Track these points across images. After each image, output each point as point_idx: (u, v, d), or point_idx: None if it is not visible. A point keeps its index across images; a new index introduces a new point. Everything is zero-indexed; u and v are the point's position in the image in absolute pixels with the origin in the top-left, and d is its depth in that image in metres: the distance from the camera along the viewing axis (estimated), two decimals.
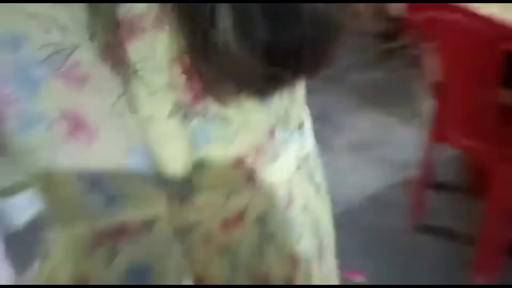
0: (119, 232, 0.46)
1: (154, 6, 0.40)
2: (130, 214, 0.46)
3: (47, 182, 0.46)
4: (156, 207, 0.47)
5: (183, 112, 0.45)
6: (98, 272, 0.47)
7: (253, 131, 0.49)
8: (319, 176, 0.62)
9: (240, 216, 0.51)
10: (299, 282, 0.57)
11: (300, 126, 0.57)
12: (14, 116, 0.42)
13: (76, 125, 0.43)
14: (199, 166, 0.48)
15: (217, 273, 0.52)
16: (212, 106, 0.45)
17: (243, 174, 0.50)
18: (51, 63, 0.40)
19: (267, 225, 0.53)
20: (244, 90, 0.44)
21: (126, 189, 0.46)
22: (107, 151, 0.44)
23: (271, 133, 0.51)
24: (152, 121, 0.44)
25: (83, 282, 0.48)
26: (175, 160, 0.47)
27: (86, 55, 0.40)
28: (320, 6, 0.43)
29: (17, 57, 0.40)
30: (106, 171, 0.45)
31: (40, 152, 0.44)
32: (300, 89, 0.54)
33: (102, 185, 0.45)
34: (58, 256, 0.50)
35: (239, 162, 0.49)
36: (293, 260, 0.57)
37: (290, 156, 0.55)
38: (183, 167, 0.47)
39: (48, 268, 0.51)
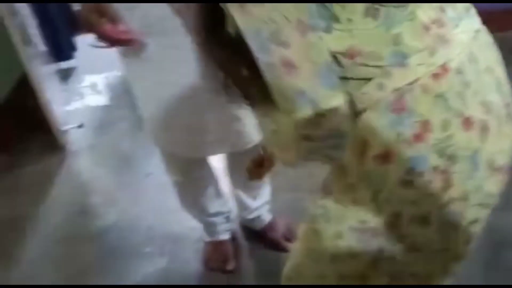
0: None
1: None
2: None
3: None
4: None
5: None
6: None
7: (426, 8, 0.68)
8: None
9: (444, 68, 0.69)
10: (491, 126, 0.73)
11: (467, 9, 0.75)
12: None
13: None
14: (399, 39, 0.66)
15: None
16: None
17: (435, 37, 0.68)
18: None
19: (464, 74, 0.70)
20: None
21: None
22: None
23: (442, 9, 0.70)
24: None
25: None
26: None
27: None
28: None
29: None
30: None
31: None
32: None
33: None
34: None
35: (426, 30, 0.67)
36: (486, 106, 0.73)
37: (465, 27, 0.73)
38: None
39: None
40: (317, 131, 0.69)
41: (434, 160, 0.71)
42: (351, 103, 0.68)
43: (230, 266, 1.73)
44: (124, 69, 1.39)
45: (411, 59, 0.67)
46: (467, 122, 0.71)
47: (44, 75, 2.52)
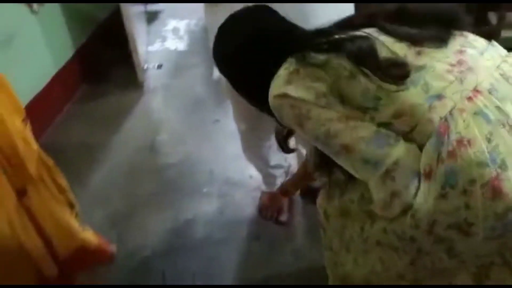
0: None
1: None
2: None
3: None
4: None
5: None
6: None
7: (443, 59, 0.82)
8: None
9: (476, 90, 0.78)
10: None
11: (489, 43, 0.88)
12: None
13: None
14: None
15: None
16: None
17: (460, 71, 0.80)
18: None
19: (499, 91, 0.79)
20: None
21: None
22: None
23: (461, 52, 0.83)
24: None
25: None
26: None
27: None
28: None
29: None
30: None
31: None
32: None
33: None
34: None
35: (449, 72, 0.80)
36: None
37: (489, 55, 0.84)
38: None
39: None
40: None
41: (472, 173, 0.74)
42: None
43: (283, 217, 1.73)
44: (207, 17, 1.39)
45: (446, 91, 0.78)
46: None
47: (133, 13, 2.59)
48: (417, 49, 0.82)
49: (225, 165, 1.99)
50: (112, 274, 1.57)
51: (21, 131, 1.25)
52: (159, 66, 2.72)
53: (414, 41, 0.83)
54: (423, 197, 0.78)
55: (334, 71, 0.81)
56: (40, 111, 2.19)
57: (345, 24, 0.90)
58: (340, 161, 0.85)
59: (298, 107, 0.83)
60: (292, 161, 1.79)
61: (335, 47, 0.83)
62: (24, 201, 1.29)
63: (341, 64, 0.81)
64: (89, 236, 1.48)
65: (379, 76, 0.79)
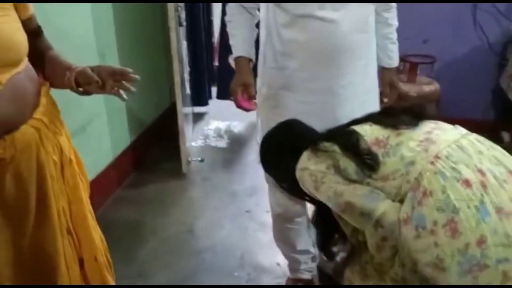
0: None
1: None
2: None
3: None
4: None
5: None
6: None
7: (414, 139, 1.09)
8: None
9: (437, 156, 1.03)
10: (491, 183, 0.98)
11: (454, 127, 1.14)
12: None
13: None
14: None
15: None
16: None
17: (426, 144, 1.07)
18: None
19: (454, 157, 1.02)
20: None
21: None
22: None
23: (429, 132, 1.10)
24: None
25: None
26: None
27: None
28: None
29: None
30: None
31: None
32: None
33: None
34: None
35: (418, 145, 1.07)
36: (482, 172, 1.00)
37: (450, 133, 1.12)
38: None
39: None
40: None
41: (434, 216, 0.96)
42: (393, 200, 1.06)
43: None
44: (261, 115, 1.69)
45: (416, 159, 1.04)
46: (467, 182, 0.97)
47: (183, 114, 2.95)
48: (398, 131, 1.11)
49: (255, 251, 2.17)
50: None
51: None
52: (202, 160, 3.01)
53: (394, 127, 1.12)
54: (403, 239, 0.99)
55: (334, 155, 1.12)
56: (95, 191, 2.44)
57: (353, 122, 1.22)
58: (345, 216, 1.10)
59: (315, 175, 1.13)
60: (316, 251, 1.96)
61: (332, 139, 1.15)
62: (82, 271, 1.38)
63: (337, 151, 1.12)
64: None
65: (356, 163, 1.08)
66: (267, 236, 1.92)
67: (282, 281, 1.97)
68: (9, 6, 1.11)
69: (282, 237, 1.90)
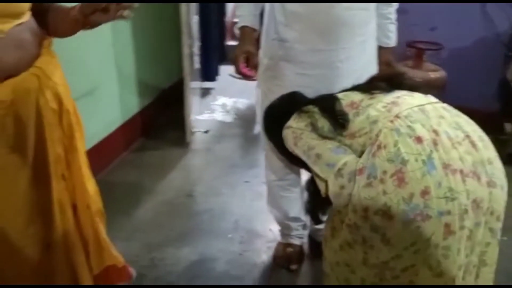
0: None
1: None
2: None
3: None
4: None
5: None
6: None
7: (380, 103, 1.16)
8: None
9: (397, 116, 1.09)
10: (443, 142, 1.04)
11: (425, 96, 1.21)
12: None
13: None
14: None
15: None
16: None
17: (391, 106, 1.14)
18: None
19: (413, 117, 1.09)
20: None
21: None
22: None
23: (398, 97, 1.17)
24: None
25: None
26: None
27: None
28: None
29: None
30: None
31: None
32: None
33: None
34: None
35: (385, 107, 1.14)
36: (436, 132, 1.04)
37: (417, 98, 1.18)
38: None
39: None
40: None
41: (384, 166, 1.01)
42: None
43: (294, 266, 1.92)
44: (262, 85, 1.72)
45: (379, 118, 1.10)
46: (418, 139, 1.03)
47: (190, 87, 3.00)
48: (371, 96, 1.19)
49: (250, 218, 2.23)
50: None
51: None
52: (206, 131, 3.06)
53: (369, 92, 1.21)
54: (356, 186, 1.04)
55: (314, 116, 1.21)
56: (102, 152, 2.52)
57: (342, 91, 1.29)
58: (316, 169, 1.16)
59: (295, 132, 1.23)
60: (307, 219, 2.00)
61: (314, 102, 1.24)
62: (75, 217, 1.41)
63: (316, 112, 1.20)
64: (118, 254, 1.57)
65: (330, 122, 1.17)
66: (263, 204, 1.97)
67: (273, 245, 2.02)
68: None
69: (275, 204, 1.95)
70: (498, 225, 1.08)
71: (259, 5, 1.69)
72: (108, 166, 2.62)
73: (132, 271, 1.66)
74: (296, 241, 1.98)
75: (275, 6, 1.60)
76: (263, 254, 2.00)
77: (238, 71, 1.66)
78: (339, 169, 1.09)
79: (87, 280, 1.46)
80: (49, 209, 1.33)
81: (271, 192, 1.94)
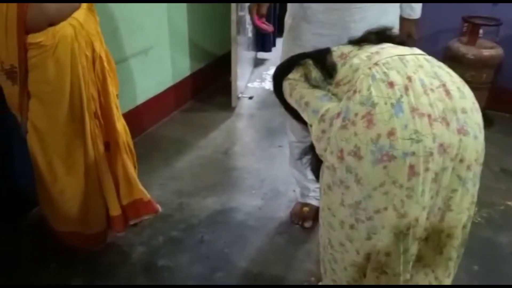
0: None
1: None
2: None
3: None
4: None
5: None
6: None
7: (365, 52, 1.19)
8: None
9: (374, 63, 1.12)
10: (415, 87, 1.05)
11: (411, 49, 1.19)
12: None
13: None
14: None
15: None
16: None
17: (373, 53, 1.17)
18: None
19: (390, 64, 1.11)
20: None
21: None
22: None
23: (382, 48, 1.19)
24: None
25: None
26: None
27: None
28: None
29: None
30: None
31: None
32: None
33: None
34: None
35: (368, 57, 1.16)
36: (409, 78, 1.06)
37: (401, 49, 1.18)
38: None
39: None
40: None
41: (356, 109, 1.06)
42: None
43: (307, 224, 2.01)
44: (284, 45, 1.82)
45: (360, 66, 1.14)
46: (391, 84, 1.05)
47: (244, 56, 3.13)
48: (360, 47, 1.22)
49: (276, 178, 2.34)
50: (164, 229, 1.96)
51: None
52: (250, 98, 3.19)
53: (357, 43, 1.24)
54: (333, 129, 1.10)
55: (308, 67, 1.25)
56: (153, 109, 2.74)
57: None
58: (304, 115, 1.23)
59: (291, 83, 1.27)
60: None
61: (310, 55, 1.28)
62: (107, 153, 1.62)
63: (310, 63, 1.25)
64: (144, 190, 1.75)
65: (321, 72, 1.21)
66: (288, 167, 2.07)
67: (293, 204, 2.12)
68: None
69: (295, 165, 2.03)
70: (469, 175, 1.07)
71: None
72: (158, 122, 2.84)
73: (158, 207, 1.84)
74: (313, 202, 2.06)
75: None
76: (281, 211, 2.11)
77: (254, 23, 1.76)
78: (322, 115, 1.14)
79: (115, 207, 1.69)
80: (83, 142, 1.54)
81: (292, 153, 2.02)
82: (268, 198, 2.20)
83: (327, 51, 1.25)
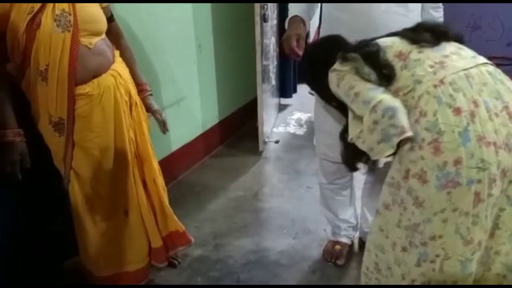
0: None
1: None
2: None
3: None
4: None
5: None
6: None
7: (430, 59, 1.14)
8: None
9: (441, 81, 1.08)
10: (480, 114, 1.03)
11: (474, 56, 1.18)
12: None
13: None
14: None
15: None
16: None
17: (438, 66, 1.11)
18: None
19: (457, 84, 1.07)
20: None
21: None
22: None
23: (446, 56, 1.14)
24: None
25: None
26: None
27: None
28: None
29: None
30: None
31: None
32: None
33: None
34: None
35: (431, 67, 1.12)
36: (475, 103, 1.04)
37: (465, 61, 1.13)
38: None
39: None
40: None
41: (423, 134, 1.03)
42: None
43: (340, 262, 1.96)
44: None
45: (424, 79, 1.09)
46: (457, 111, 1.02)
47: (269, 102, 3.19)
48: (420, 48, 1.14)
49: (305, 218, 2.32)
50: (202, 270, 1.94)
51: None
52: (277, 141, 3.22)
53: (417, 43, 1.15)
54: (403, 150, 1.08)
55: (358, 62, 1.19)
56: (185, 156, 2.79)
57: (385, 35, 1.26)
58: (353, 107, 1.17)
59: (339, 74, 1.21)
60: (357, 220, 2.04)
61: (357, 50, 1.21)
62: (145, 190, 1.68)
63: (359, 59, 1.19)
64: (178, 222, 1.81)
65: (376, 73, 1.15)
66: (318, 206, 2.06)
67: (324, 242, 2.08)
68: None
69: (326, 204, 2.02)
70: None
71: (311, 5, 1.73)
72: (190, 168, 2.88)
73: (191, 238, 1.90)
74: (345, 240, 2.03)
75: (325, 11, 1.70)
76: (314, 250, 2.07)
77: (290, 49, 1.61)
78: (374, 106, 1.09)
79: (157, 240, 1.74)
80: (127, 181, 1.59)
81: (323, 194, 2.01)
82: (299, 237, 2.17)
83: (375, 46, 1.18)
